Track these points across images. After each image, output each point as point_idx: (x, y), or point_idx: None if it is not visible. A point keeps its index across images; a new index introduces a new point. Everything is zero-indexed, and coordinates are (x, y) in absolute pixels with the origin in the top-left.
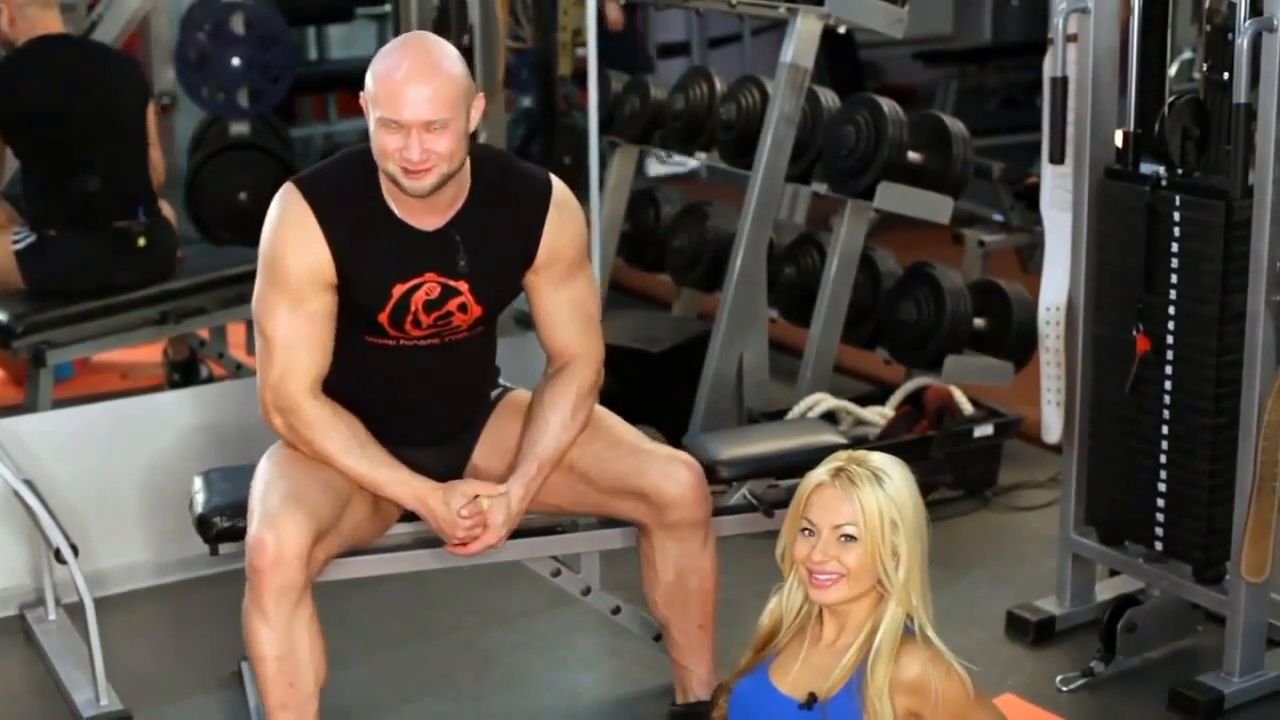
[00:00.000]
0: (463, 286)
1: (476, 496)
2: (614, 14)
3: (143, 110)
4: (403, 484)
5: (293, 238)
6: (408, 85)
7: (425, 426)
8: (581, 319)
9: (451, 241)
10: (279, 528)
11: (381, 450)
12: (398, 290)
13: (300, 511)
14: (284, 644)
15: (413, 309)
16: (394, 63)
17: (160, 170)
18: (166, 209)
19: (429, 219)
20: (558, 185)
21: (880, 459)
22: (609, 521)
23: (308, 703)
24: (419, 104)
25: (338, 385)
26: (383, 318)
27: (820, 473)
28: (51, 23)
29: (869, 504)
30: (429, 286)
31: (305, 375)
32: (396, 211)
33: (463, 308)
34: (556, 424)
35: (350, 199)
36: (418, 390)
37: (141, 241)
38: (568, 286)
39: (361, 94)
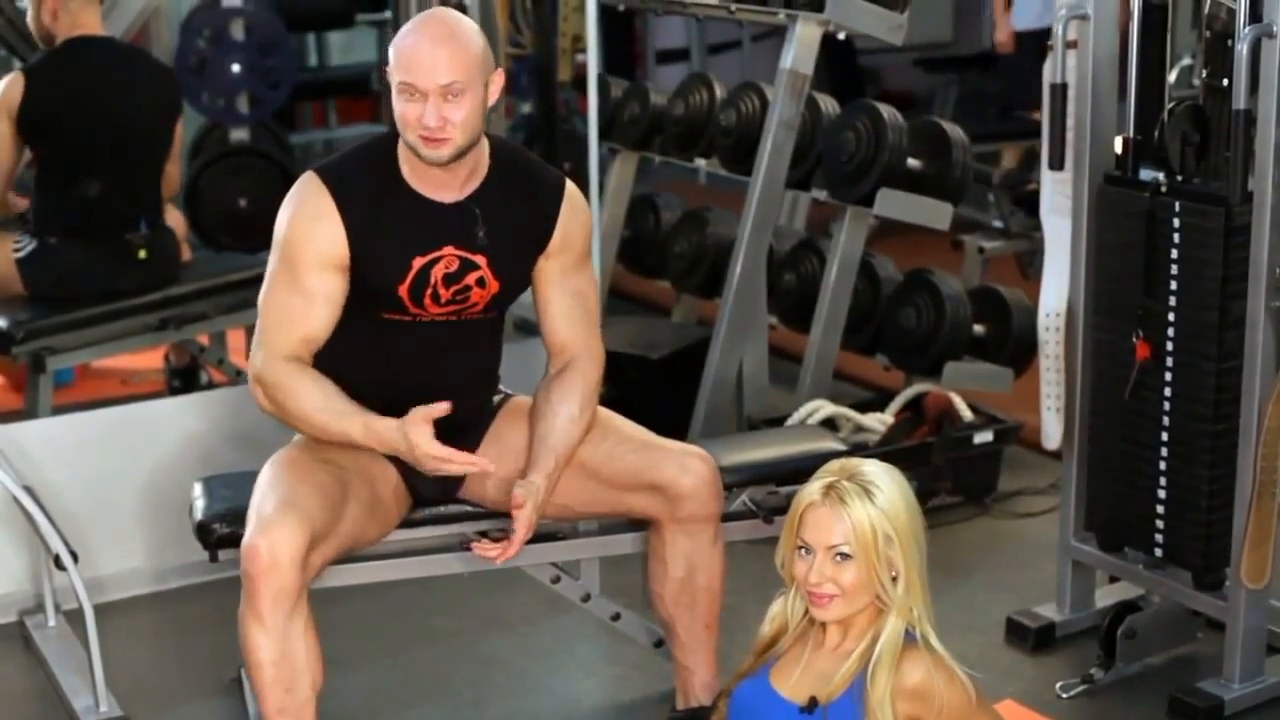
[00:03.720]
0: (481, 260)
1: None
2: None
3: (168, 122)
4: (364, 427)
5: (306, 215)
6: (425, 51)
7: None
8: (584, 313)
9: (470, 214)
10: (272, 533)
11: (349, 402)
12: (417, 263)
13: (294, 516)
14: (280, 649)
15: (432, 282)
16: (412, 30)
17: (174, 183)
18: (175, 217)
19: (447, 192)
20: (569, 181)
21: (872, 470)
22: (609, 527)
23: (304, 708)
24: (436, 68)
25: (350, 370)
26: (403, 290)
27: (812, 490)
28: (91, 21)
29: (860, 522)
30: (448, 259)
31: (285, 344)
32: (415, 186)
33: (481, 282)
34: (565, 418)
35: (368, 177)
36: (429, 372)
37: (142, 254)
38: (574, 277)
39: (386, 68)
